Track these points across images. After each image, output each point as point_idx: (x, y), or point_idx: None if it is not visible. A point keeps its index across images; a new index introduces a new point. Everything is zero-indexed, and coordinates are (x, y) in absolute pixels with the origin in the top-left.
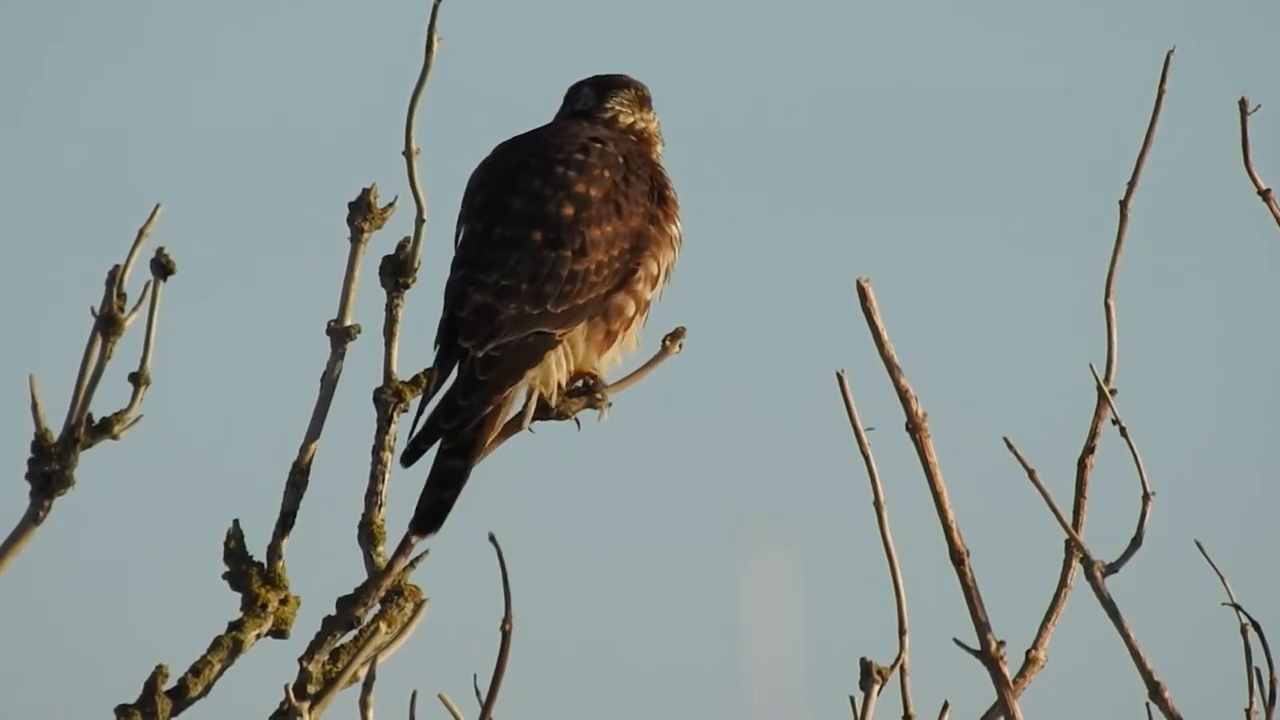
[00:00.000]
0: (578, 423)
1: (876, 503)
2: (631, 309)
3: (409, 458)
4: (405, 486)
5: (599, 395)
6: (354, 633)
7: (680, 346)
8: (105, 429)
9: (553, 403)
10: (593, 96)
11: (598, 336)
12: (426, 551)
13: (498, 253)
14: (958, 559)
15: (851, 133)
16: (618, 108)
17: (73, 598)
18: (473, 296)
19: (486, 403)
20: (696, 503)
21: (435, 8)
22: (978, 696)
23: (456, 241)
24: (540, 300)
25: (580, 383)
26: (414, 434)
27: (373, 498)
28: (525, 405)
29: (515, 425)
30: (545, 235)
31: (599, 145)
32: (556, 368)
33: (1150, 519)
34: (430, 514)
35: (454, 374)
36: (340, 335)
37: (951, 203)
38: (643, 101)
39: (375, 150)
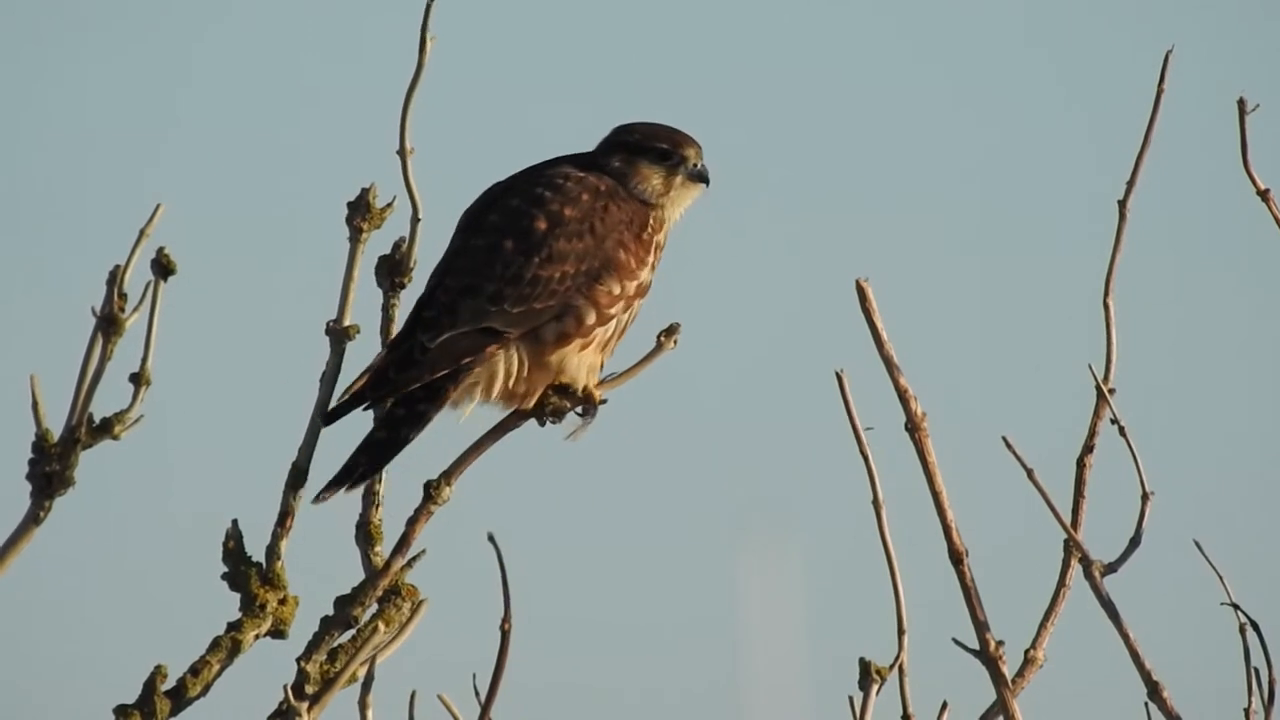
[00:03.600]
0: (542, 422)
1: (876, 502)
2: (591, 318)
3: (329, 417)
4: (403, 486)
5: (587, 415)
6: (352, 632)
7: (675, 342)
8: (106, 429)
9: (493, 401)
10: (599, 150)
11: (550, 341)
12: (424, 551)
13: (469, 259)
14: (957, 559)
15: (851, 132)
16: (614, 165)
17: (72, 598)
18: (440, 298)
19: (415, 380)
20: (695, 502)
21: (428, 7)
22: (977, 696)
23: None
24: (499, 299)
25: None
26: (342, 398)
27: (370, 498)
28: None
29: (503, 427)
30: (516, 244)
31: (581, 174)
32: (505, 370)
33: (1149, 519)
34: (341, 474)
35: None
36: (339, 335)
37: (951, 202)
38: (643, 158)
39: (370, 150)
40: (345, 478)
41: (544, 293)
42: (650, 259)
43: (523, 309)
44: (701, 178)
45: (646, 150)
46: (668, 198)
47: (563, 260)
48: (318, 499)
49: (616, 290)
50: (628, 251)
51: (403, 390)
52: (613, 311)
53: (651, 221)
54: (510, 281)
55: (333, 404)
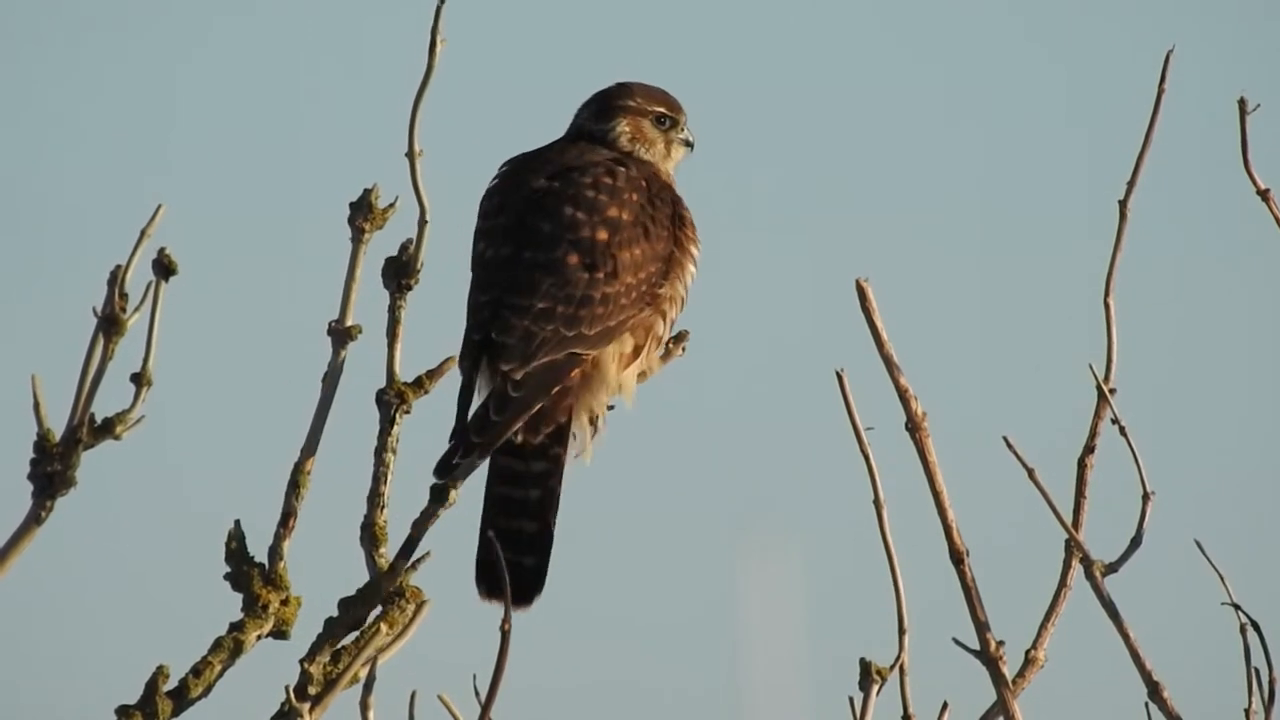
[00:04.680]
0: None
1: (876, 502)
2: (660, 327)
3: (443, 470)
4: (406, 487)
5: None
6: (355, 634)
7: (683, 350)
8: (107, 429)
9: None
10: (593, 116)
11: (627, 353)
12: (429, 553)
13: (530, 275)
14: (957, 559)
15: (852, 132)
16: (620, 131)
17: (74, 598)
18: (512, 321)
19: (517, 418)
20: (696, 502)
21: (439, 9)
22: (977, 696)
23: (474, 259)
24: (575, 323)
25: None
26: (449, 450)
27: (375, 499)
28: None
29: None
30: (580, 259)
31: (623, 169)
32: (603, 389)
33: (1150, 519)
34: (527, 584)
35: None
36: (341, 336)
37: (951, 202)
38: (645, 120)
39: (378, 151)
40: (533, 590)
41: (615, 309)
42: (695, 235)
43: (599, 329)
44: (689, 143)
45: (647, 114)
46: (669, 160)
47: (626, 271)
48: (517, 609)
49: (682, 290)
50: (679, 246)
51: (508, 432)
52: (674, 314)
53: (681, 199)
54: (582, 303)
55: (441, 453)
